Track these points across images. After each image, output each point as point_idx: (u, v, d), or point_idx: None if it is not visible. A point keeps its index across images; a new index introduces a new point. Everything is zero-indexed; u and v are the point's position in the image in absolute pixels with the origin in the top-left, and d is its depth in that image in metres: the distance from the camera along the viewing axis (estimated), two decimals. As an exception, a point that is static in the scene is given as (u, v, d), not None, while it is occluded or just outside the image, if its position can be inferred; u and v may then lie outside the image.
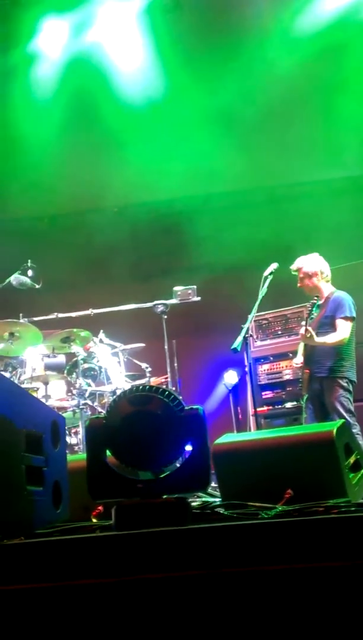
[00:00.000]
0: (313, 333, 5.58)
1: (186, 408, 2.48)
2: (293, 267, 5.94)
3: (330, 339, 5.63)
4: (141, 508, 2.34)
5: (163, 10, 8.17)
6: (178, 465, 2.54)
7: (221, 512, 2.50)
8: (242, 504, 2.58)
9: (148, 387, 2.51)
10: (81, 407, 6.39)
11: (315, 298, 5.84)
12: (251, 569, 1.85)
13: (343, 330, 5.65)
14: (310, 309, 5.79)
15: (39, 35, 8.23)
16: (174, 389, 6.72)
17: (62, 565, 1.84)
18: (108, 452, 2.46)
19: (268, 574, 1.84)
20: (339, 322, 5.66)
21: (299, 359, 5.91)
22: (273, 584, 1.83)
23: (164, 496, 2.42)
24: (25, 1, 8.25)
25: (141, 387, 2.50)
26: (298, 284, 5.93)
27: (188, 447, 2.45)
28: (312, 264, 5.91)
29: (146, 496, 2.40)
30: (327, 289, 5.92)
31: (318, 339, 5.62)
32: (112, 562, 1.87)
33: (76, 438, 6.60)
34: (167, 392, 2.48)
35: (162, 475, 2.50)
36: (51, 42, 8.31)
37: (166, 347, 6.79)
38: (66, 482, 2.61)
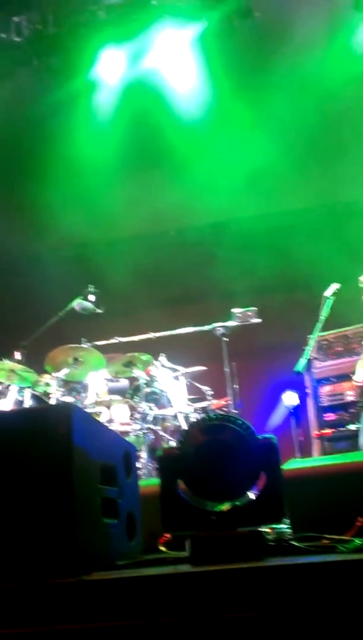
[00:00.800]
0: None
1: (259, 437, 2.44)
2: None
3: None
4: (216, 541, 2.30)
5: (216, 36, 8.23)
6: (251, 496, 2.49)
7: (297, 544, 2.43)
8: (317, 537, 2.51)
9: (220, 415, 2.47)
10: (144, 431, 6.37)
11: None
12: (334, 609, 1.79)
13: None
14: None
15: (98, 64, 8.37)
16: (236, 412, 6.65)
17: (146, 601, 1.81)
18: (181, 482, 2.43)
19: (351, 614, 1.78)
20: None
21: (360, 377, 5.77)
22: (351, 624, 1.77)
23: (239, 528, 2.37)
24: (85, 32, 8.41)
25: (214, 416, 2.47)
26: None
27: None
28: None
29: (220, 528, 2.35)
30: None
31: None
32: (192, 600, 1.82)
33: (139, 462, 6.58)
34: (240, 421, 2.44)
35: (236, 507, 2.46)
36: (109, 69, 8.44)
37: (226, 369, 6.75)
38: (139, 513, 2.58)
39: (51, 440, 2.03)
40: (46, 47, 8.76)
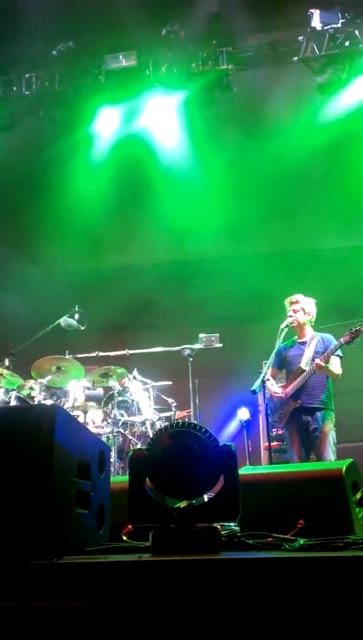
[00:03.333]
0: (328, 364, 5.39)
1: (219, 444, 2.36)
2: (293, 298, 5.81)
3: (336, 370, 5.47)
4: (176, 534, 2.21)
5: (199, 103, 8.30)
6: (209, 495, 2.41)
7: (247, 541, 2.34)
8: (265, 535, 2.42)
9: (186, 423, 2.39)
10: (114, 434, 6.27)
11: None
12: (276, 600, 1.71)
13: (339, 366, 5.49)
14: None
15: (96, 119, 8.38)
16: (195, 422, 6.57)
17: (108, 585, 1.71)
18: (148, 480, 2.34)
19: (292, 606, 1.70)
20: (335, 359, 5.49)
21: (278, 389, 5.71)
22: (296, 616, 1.69)
23: (197, 524, 2.28)
24: (87, 92, 8.43)
25: (180, 423, 2.38)
26: (289, 314, 5.76)
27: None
28: (310, 305, 5.82)
29: (181, 523, 2.26)
30: (309, 330, 5.79)
31: (332, 368, 5.43)
32: (153, 585, 1.73)
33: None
34: (203, 429, 2.36)
35: (196, 504, 2.37)
36: (105, 125, 8.46)
37: (190, 385, 6.68)
38: (108, 505, 2.47)
39: (35, 436, 1.93)
40: (51, 102, 8.75)
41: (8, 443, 1.94)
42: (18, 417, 2.06)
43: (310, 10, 7.44)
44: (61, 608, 1.66)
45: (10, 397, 6.31)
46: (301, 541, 2.23)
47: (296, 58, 7.69)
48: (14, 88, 8.72)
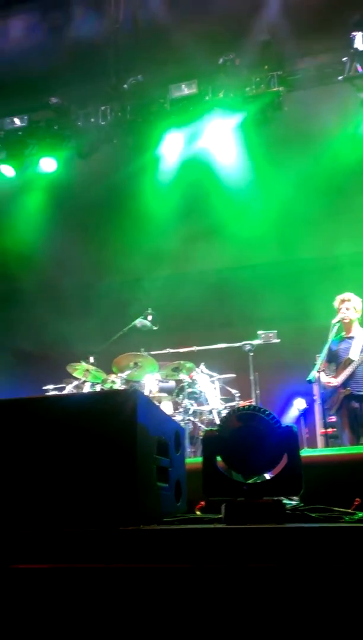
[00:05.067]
0: None
1: (282, 425, 2.33)
2: (345, 296, 5.70)
3: None
4: (246, 506, 2.19)
5: (254, 123, 8.24)
6: (274, 472, 2.39)
7: (310, 514, 2.31)
8: (327, 509, 2.38)
9: (252, 407, 2.37)
10: (185, 422, 6.29)
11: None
12: (339, 566, 1.68)
13: None
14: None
15: (162, 143, 8.45)
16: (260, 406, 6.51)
17: (187, 549, 1.72)
18: (219, 458, 2.34)
19: (354, 571, 1.67)
20: None
21: (330, 379, 5.59)
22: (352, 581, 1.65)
23: (264, 497, 2.26)
24: (154, 119, 8.52)
25: (248, 407, 2.37)
26: (341, 311, 5.65)
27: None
28: (359, 303, 5.72)
29: (250, 497, 2.25)
30: (357, 326, 5.67)
31: None
32: (227, 550, 1.72)
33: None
34: (267, 412, 2.34)
35: (263, 480, 2.35)
36: (170, 147, 8.52)
37: (251, 377, 6.64)
38: (185, 481, 2.48)
39: (120, 417, 1.97)
40: (124, 130, 8.88)
41: (97, 423, 1.98)
42: (105, 401, 2.09)
43: (353, 33, 7.32)
44: (146, 570, 1.68)
45: (95, 390, 6.43)
46: (360, 514, 2.17)
47: (341, 77, 7.56)
48: (92, 119, 8.91)
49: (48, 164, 9.08)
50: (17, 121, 8.86)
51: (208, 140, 8.46)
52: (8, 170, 9.17)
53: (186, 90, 8.45)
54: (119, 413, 1.96)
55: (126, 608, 1.61)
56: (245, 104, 8.25)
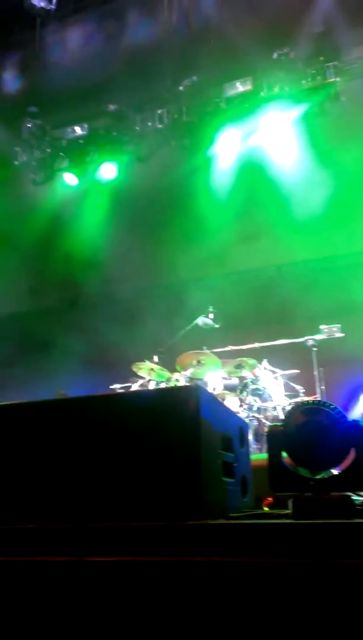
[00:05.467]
0: None
1: (348, 420, 2.26)
2: None
3: None
4: (314, 501, 2.13)
5: (311, 115, 8.08)
6: (341, 467, 2.31)
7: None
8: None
9: (317, 401, 2.31)
10: (250, 418, 6.22)
11: None
12: None
13: None
14: None
15: (218, 142, 8.43)
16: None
17: (254, 544, 1.69)
18: (284, 454, 2.29)
19: None
20: None
21: None
22: None
23: (332, 493, 2.19)
24: (210, 119, 8.52)
25: (312, 401, 2.31)
26: None
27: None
28: None
29: (317, 492, 2.19)
30: None
31: None
32: (296, 545, 1.68)
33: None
34: (333, 406, 2.27)
35: (330, 475, 2.28)
36: (226, 145, 8.48)
37: (315, 373, 6.49)
38: (250, 476, 2.45)
39: (184, 412, 1.96)
40: (181, 131, 8.92)
41: (162, 418, 1.99)
42: (169, 397, 2.10)
43: None
44: (212, 564, 1.67)
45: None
46: None
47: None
48: (149, 123, 9.01)
49: (108, 170, 9.25)
50: (77, 130, 9.08)
51: (264, 135, 8.37)
52: (71, 179, 9.41)
53: (240, 87, 8.41)
54: (183, 408, 1.96)
55: (192, 601, 1.60)
56: (302, 97, 8.11)
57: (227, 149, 8.50)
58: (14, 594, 1.77)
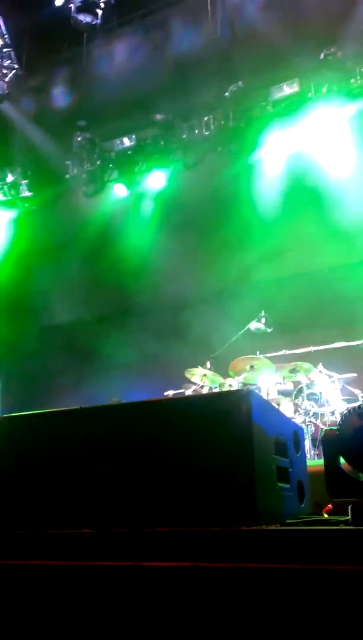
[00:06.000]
0: None
1: None
2: None
3: None
4: (374, 508, 2.06)
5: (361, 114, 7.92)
6: None
7: None
8: None
9: (375, 404, 2.23)
10: (306, 423, 6.11)
11: None
12: None
13: None
14: None
15: (265, 145, 8.37)
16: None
17: (311, 551, 1.64)
18: (342, 459, 2.23)
19: None
20: None
21: None
22: None
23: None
24: (257, 122, 8.48)
25: (369, 404, 2.24)
26: None
27: None
28: None
29: (378, 498, 2.11)
30: None
31: None
32: (351, 552, 1.62)
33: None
34: (391, 410, 2.19)
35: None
36: (275, 147, 8.40)
37: (374, 376, 6.31)
38: (307, 481, 2.39)
39: (235, 417, 1.93)
40: (228, 137, 8.92)
41: (214, 422, 1.97)
42: (220, 401, 2.08)
43: None
44: (266, 570, 1.63)
45: (212, 393, 6.45)
46: None
47: None
48: (196, 131, 9.04)
49: (156, 179, 9.33)
50: (126, 141, 9.22)
51: (312, 137, 8.24)
52: (121, 190, 9.55)
53: (287, 90, 8.33)
54: (234, 412, 1.93)
55: (246, 608, 1.56)
56: (350, 96, 7.95)
57: (275, 151, 8.42)
58: (71, 598, 1.78)
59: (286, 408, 6.49)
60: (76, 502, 2.12)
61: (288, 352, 6.81)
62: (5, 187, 9.94)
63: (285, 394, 6.55)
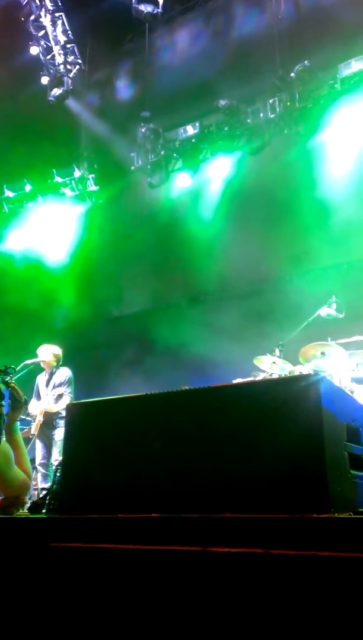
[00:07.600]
0: None
1: None
2: None
3: None
4: None
5: None
6: None
7: None
8: None
9: None
10: (382, 411, 5.88)
11: None
12: None
13: None
14: None
15: (334, 123, 8.07)
16: None
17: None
18: None
19: None
20: None
21: None
22: None
23: None
24: (325, 102, 8.21)
25: None
26: None
27: None
28: None
29: None
30: None
31: None
32: None
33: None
34: None
35: None
36: (346, 124, 8.09)
37: None
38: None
39: (304, 402, 1.88)
40: (294, 119, 8.69)
41: (282, 408, 1.92)
42: (289, 386, 2.02)
43: None
44: (337, 558, 1.57)
45: (282, 381, 6.34)
46: None
47: None
48: (261, 114, 8.87)
49: (221, 166, 9.24)
50: (189, 129, 9.18)
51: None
52: (185, 179, 9.53)
53: (356, 66, 8.01)
54: (303, 397, 1.88)
55: (315, 596, 1.51)
56: None
57: (343, 130, 8.12)
58: (140, 581, 1.80)
59: (360, 395, 6.28)
60: (146, 486, 2.13)
61: (361, 338, 6.56)
62: (73, 182, 10.17)
63: (359, 381, 6.33)
